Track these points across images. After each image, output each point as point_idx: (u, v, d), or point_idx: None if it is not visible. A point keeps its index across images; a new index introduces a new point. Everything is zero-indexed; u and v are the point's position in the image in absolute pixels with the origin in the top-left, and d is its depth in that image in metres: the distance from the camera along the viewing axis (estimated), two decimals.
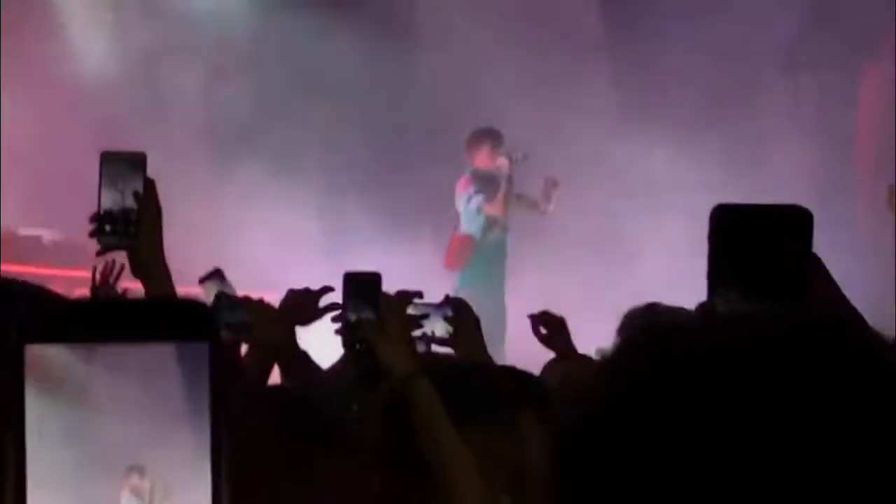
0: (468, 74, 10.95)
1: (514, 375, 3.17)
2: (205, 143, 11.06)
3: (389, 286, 3.56)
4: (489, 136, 9.60)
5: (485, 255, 9.40)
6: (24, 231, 10.86)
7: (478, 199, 9.42)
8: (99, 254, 2.66)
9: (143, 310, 1.02)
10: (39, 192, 10.82)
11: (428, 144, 10.79)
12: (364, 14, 11.07)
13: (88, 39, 11.79)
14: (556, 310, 4.28)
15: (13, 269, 9.72)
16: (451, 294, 7.62)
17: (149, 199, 2.55)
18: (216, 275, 4.21)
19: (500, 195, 9.45)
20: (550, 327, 4.16)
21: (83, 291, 9.50)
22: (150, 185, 2.55)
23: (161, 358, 0.98)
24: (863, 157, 11.08)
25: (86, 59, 11.72)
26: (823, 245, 1.99)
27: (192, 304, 1.01)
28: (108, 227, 2.55)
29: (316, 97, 10.78)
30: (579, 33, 11.18)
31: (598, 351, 2.79)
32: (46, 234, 10.87)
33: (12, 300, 1.33)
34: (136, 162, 2.56)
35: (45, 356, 0.99)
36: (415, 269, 7.95)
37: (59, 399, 0.99)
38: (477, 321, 3.76)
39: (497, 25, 10.91)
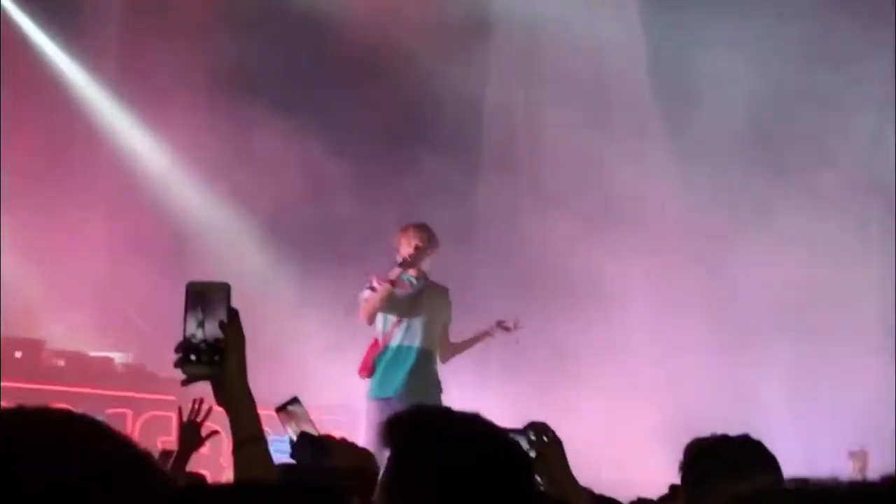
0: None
1: None
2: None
3: None
4: (417, 231, 8.30)
5: (389, 358, 8.22)
6: (95, 353, 10.95)
7: (364, 293, 8.16)
8: (184, 383, 2.55)
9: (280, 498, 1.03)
10: (112, 317, 11.09)
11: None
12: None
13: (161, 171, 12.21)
14: None
15: (84, 390, 9.92)
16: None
17: (233, 328, 2.53)
18: (294, 402, 4.21)
19: (369, 297, 8.10)
20: None
21: (155, 414, 9.75)
22: (233, 314, 2.53)
23: None
24: None
25: (156, 190, 12.09)
26: None
27: (328, 494, 1.01)
28: (192, 357, 2.52)
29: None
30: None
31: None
32: (118, 357, 10.90)
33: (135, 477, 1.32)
34: (221, 291, 2.54)
35: None
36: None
37: None
38: (560, 444, 3.60)
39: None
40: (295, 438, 4.05)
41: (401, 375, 8.17)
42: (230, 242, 11.80)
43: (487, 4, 12.09)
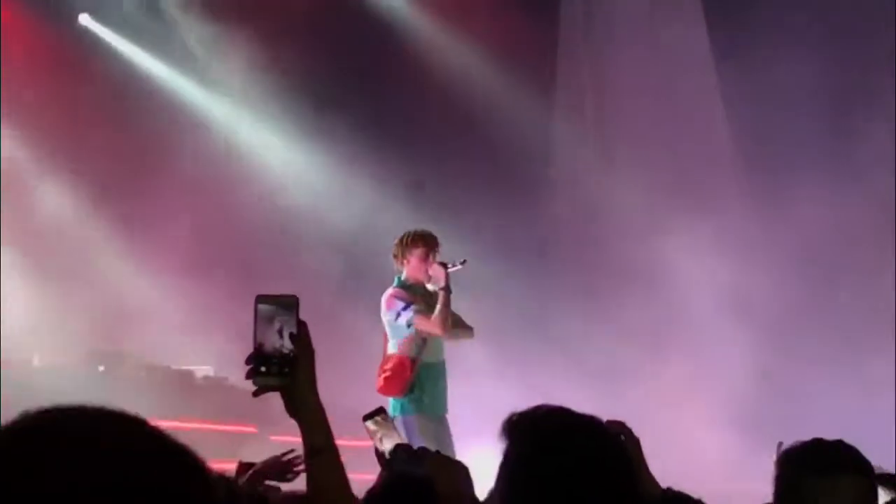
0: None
1: None
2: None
3: None
4: (421, 241, 8.04)
5: (424, 376, 8.00)
6: (176, 367, 11.27)
7: (407, 315, 7.93)
8: (255, 394, 2.61)
9: None
10: (191, 331, 11.27)
11: None
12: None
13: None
14: None
15: (164, 401, 10.11)
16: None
17: (302, 339, 2.56)
18: (379, 412, 4.27)
19: (438, 310, 7.90)
20: None
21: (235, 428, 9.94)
22: (302, 326, 2.57)
23: None
24: None
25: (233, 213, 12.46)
26: None
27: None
28: (263, 369, 2.56)
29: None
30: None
31: None
32: (198, 371, 11.21)
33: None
34: (290, 304, 2.58)
35: None
36: None
37: None
38: (638, 442, 3.58)
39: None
40: (380, 447, 4.13)
41: (443, 391, 8.05)
42: (308, 253, 11.93)
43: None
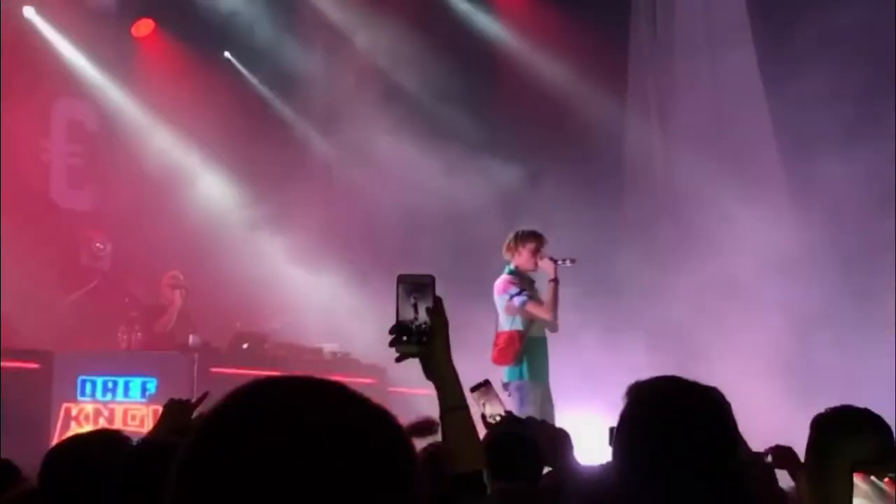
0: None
1: None
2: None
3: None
4: (533, 237, 9.12)
5: (531, 349, 8.97)
6: (308, 345, 12.02)
7: (521, 299, 8.96)
8: (398, 360, 2.76)
9: None
10: (322, 314, 12.45)
11: None
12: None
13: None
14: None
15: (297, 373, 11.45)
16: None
17: (438, 313, 2.72)
18: (485, 384, 4.51)
19: (548, 299, 8.97)
20: (783, 459, 4.11)
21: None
22: (438, 301, 2.74)
23: None
24: None
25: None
26: None
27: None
28: (404, 338, 2.72)
29: None
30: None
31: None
32: (327, 347, 11.96)
33: None
34: (427, 282, 2.75)
35: None
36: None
37: None
38: (729, 406, 3.44)
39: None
40: (487, 414, 4.43)
41: (546, 363, 9.13)
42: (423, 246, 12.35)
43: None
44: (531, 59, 13.35)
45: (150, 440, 3.78)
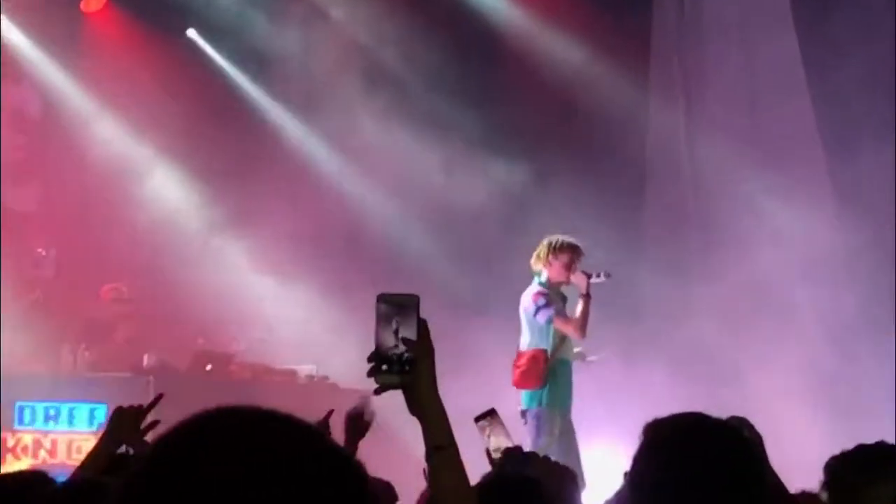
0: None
1: None
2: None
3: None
4: (570, 249, 8.61)
5: (556, 372, 8.55)
6: (279, 367, 11.44)
7: (547, 313, 8.50)
8: (377, 392, 2.60)
9: None
10: (295, 332, 11.66)
11: None
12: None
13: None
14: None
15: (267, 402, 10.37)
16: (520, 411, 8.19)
17: (423, 338, 2.56)
18: (490, 414, 4.36)
19: (578, 315, 8.50)
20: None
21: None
22: (423, 325, 2.56)
23: None
24: None
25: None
26: None
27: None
28: (384, 367, 2.56)
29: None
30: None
31: None
32: (302, 368, 11.38)
33: None
34: (410, 303, 2.57)
35: None
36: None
37: None
38: (761, 439, 3.56)
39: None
40: (491, 448, 4.27)
41: (570, 390, 8.62)
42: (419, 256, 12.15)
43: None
44: (538, 39, 12.76)
45: (75, 480, 3.80)
